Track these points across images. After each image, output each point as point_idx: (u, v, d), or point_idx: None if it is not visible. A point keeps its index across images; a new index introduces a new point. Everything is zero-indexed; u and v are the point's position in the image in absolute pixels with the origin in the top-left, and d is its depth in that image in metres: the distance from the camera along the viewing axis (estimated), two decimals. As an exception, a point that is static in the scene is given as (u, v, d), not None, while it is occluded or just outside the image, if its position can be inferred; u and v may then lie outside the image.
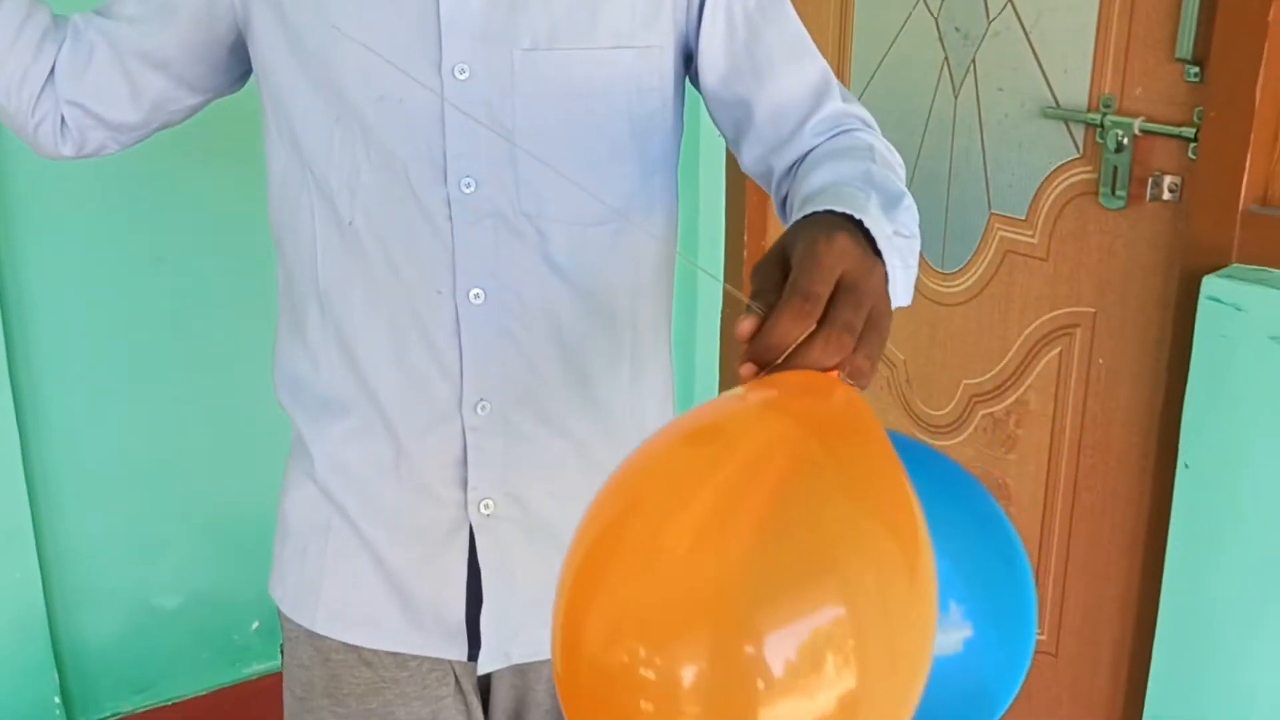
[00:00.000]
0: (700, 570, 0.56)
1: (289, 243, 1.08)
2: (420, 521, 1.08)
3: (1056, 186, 1.75)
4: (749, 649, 0.54)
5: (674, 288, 1.16)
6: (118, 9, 1.07)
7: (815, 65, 1.07)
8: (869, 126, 1.06)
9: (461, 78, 0.98)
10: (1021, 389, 1.87)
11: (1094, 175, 1.70)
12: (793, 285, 0.67)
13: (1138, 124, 1.61)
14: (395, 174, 1.00)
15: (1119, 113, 1.64)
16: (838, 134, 1.03)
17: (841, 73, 2.09)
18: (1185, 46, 1.54)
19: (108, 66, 1.07)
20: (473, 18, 0.98)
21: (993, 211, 1.86)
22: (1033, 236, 1.80)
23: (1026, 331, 1.84)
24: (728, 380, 2.45)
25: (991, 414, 1.93)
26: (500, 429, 1.06)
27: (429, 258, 1.02)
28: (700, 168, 2.25)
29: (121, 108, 1.09)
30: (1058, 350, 1.81)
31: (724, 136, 1.11)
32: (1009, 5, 1.76)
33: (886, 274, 0.75)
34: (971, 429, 1.96)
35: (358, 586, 1.11)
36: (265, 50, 1.03)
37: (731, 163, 2.32)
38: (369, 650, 1.12)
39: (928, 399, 2.04)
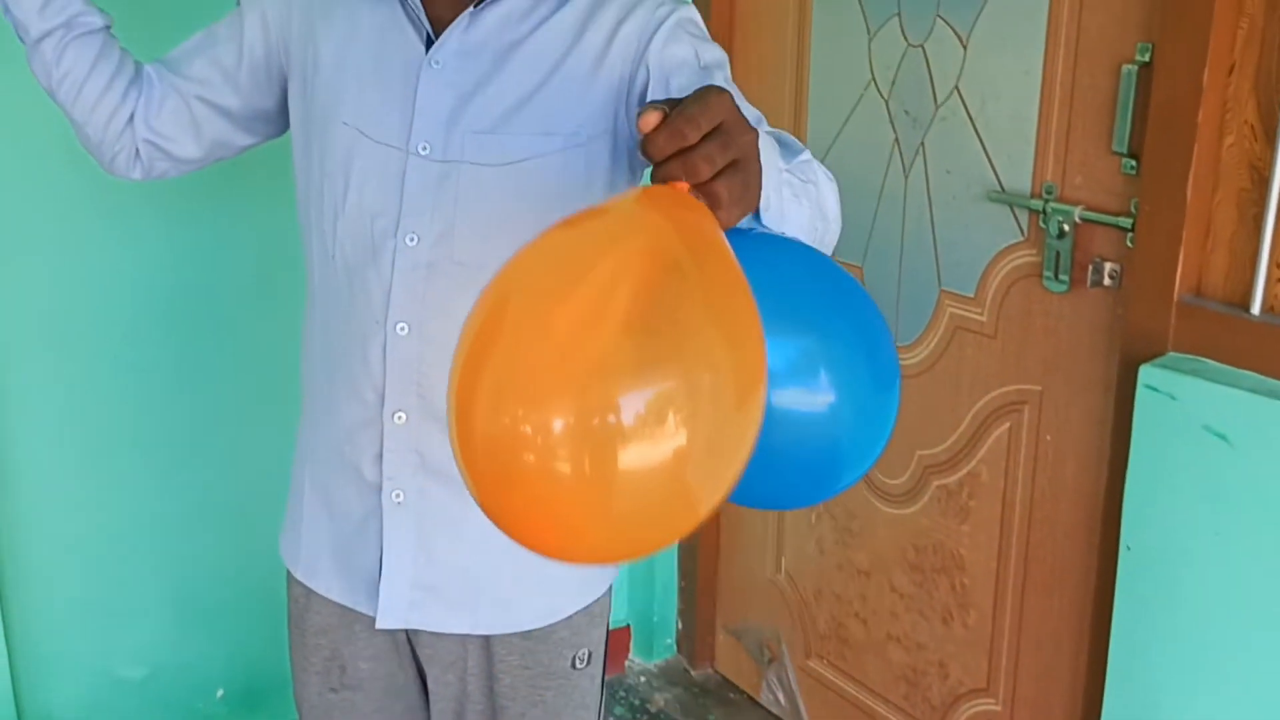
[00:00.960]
0: (576, 348, 0.70)
1: (307, 256, 1.35)
2: (351, 497, 1.34)
3: (1003, 267, 1.80)
4: (608, 409, 0.68)
5: None
6: (188, 69, 1.33)
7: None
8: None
9: (424, 153, 1.22)
10: (973, 461, 1.91)
11: (1038, 258, 1.74)
12: (680, 110, 0.79)
13: (1078, 212, 1.65)
14: (363, 224, 1.25)
15: (1060, 200, 1.69)
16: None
17: (797, 148, 2.13)
18: (1122, 140, 1.58)
19: (178, 113, 1.33)
20: (440, 107, 1.22)
21: (943, 288, 1.90)
22: (981, 314, 1.84)
23: (977, 406, 1.88)
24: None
25: (945, 485, 1.97)
26: (413, 439, 1.29)
27: (374, 293, 1.26)
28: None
29: (187, 146, 1.35)
30: (1007, 425, 1.85)
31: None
32: (955, 92, 1.81)
33: (758, 144, 0.87)
34: (926, 499, 2.00)
35: (315, 541, 1.39)
36: (291, 115, 1.32)
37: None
38: (319, 596, 1.39)
39: (883, 467, 2.07)
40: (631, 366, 0.70)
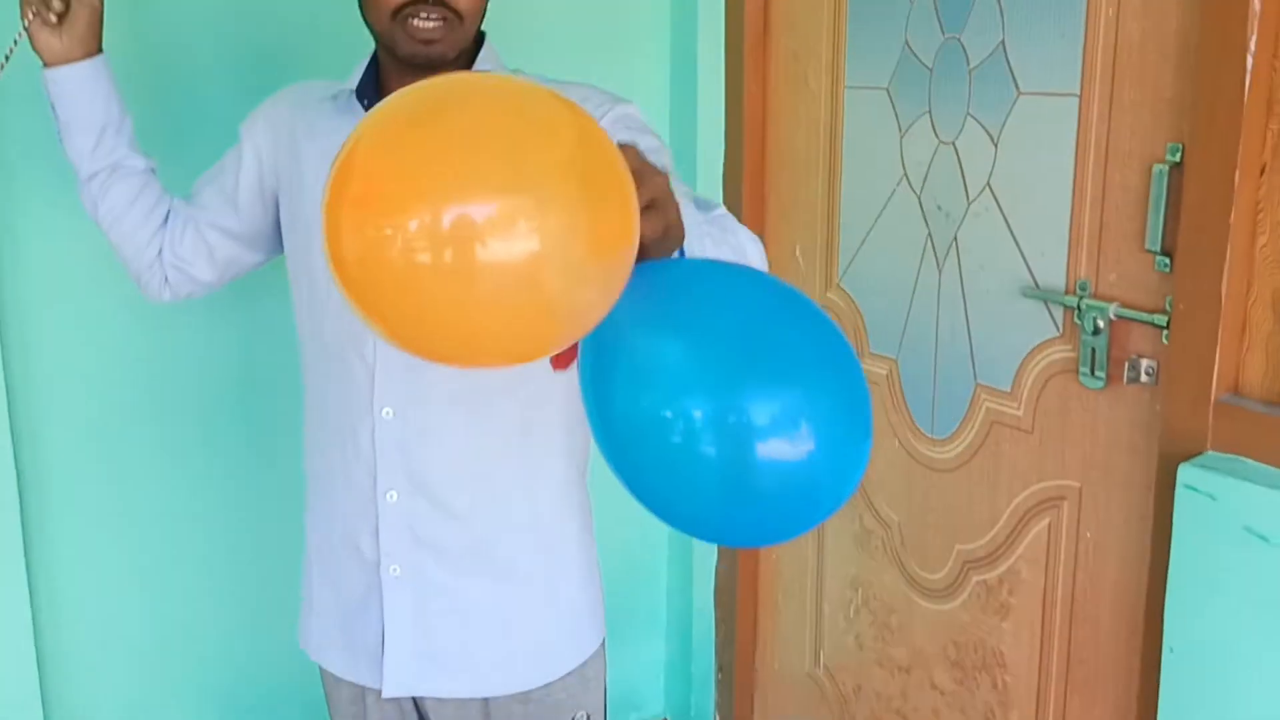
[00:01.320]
0: (431, 164, 0.80)
1: (301, 352, 1.49)
2: (354, 575, 1.46)
3: (1039, 362, 1.79)
4: (462, 212, 0.78)
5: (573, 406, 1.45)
6: (200, 200, 1.52)
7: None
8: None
9: None
10: (1013, 558, 1.89)
11: (1074, 354, 1.74)
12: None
13: (1113, 309, 1.65)
14: (346, 319, 1.35)
15: (1095, 296, 1.69)
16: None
17: (829, 243, 2.15)
18: (1155, 239, 1.59)
19: (195, 241, 1.51)
20: None
21: (979, 382, 1.90)
22: (1018, 409, 1.84)
23: (1015, 501, 1.87)
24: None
25: (984, 580, 1.94)
26: (405, 516, 1.41)
27: (360, 382, 1.40)
28: (699, 71, 2.28)
29: (204, 269, 1.52)
30: (1046, 521, 1.83)
31: None
32: (987, 188, 1.82)
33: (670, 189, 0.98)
34: (965, 594, 1.97)
35: (325, 621, 1.51)
36: (282, 225, 1.48)
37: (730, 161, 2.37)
38: (330, 674, 1.53)
39: (922, 562, 2.06)
40: (482, 182, 0.80)
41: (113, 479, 1.91)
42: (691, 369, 0.89)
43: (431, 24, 1.30)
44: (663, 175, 0.96)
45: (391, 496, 1.41)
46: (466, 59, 1.40)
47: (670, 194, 0.97)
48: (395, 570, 1.43)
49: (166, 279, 1.53)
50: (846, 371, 0.94)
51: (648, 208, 0.91)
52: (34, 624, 1.84)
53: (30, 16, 1.37)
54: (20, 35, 1.39)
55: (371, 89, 1.41)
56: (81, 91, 1.42)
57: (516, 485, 1.45)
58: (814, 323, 0.96)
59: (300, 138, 1.44)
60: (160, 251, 1.51)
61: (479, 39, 1.43)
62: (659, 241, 0.94)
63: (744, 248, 1.18)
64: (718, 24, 2.25)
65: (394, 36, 1.32)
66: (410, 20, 1.30)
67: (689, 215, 1.05)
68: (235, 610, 2.02)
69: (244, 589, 2.02)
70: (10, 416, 1.77)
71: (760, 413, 0.87)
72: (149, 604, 1.97)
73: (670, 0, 2.28)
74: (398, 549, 1.42)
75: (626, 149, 0.92)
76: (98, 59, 1.42)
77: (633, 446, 0.92)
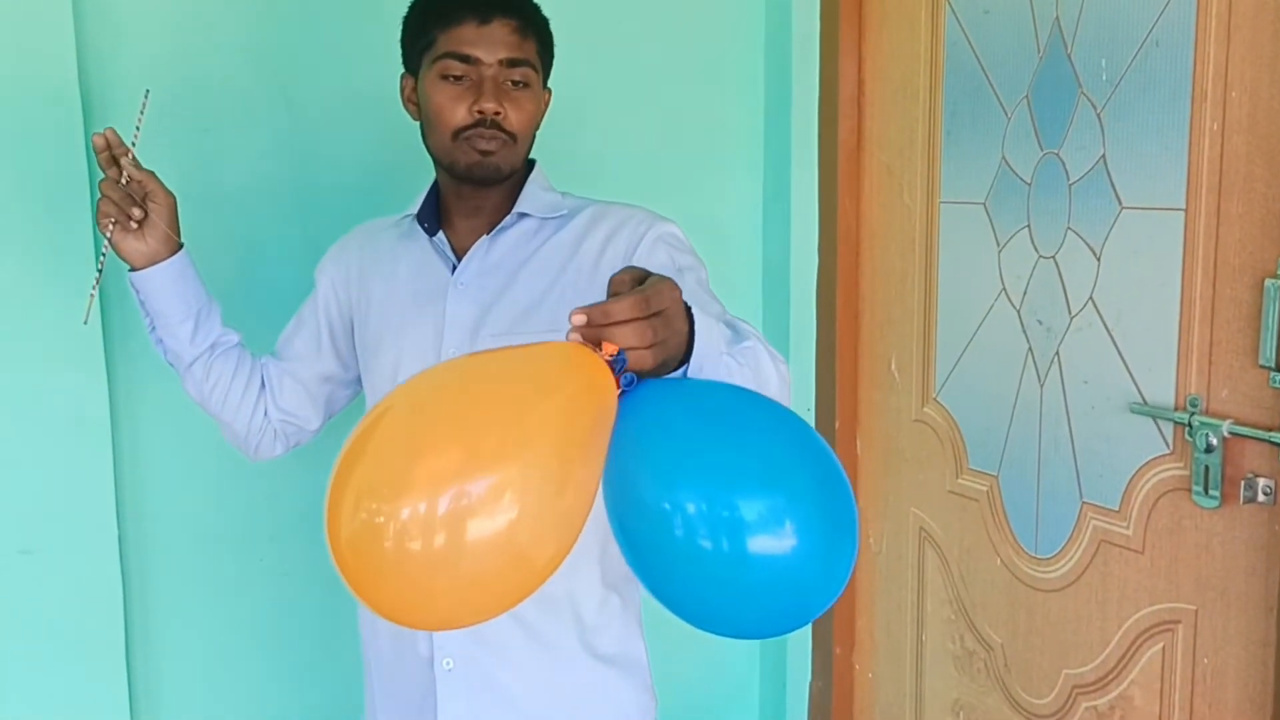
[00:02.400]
0: (428, 456, 0.88)
1: None
2: (410, 672, 1.50)
3: (1148, 480, 1.74)
4: (452, 496, 0.86)
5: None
6: (290, 352, 1.62)
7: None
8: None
9: (451, 357, 1.43)
10: (1125, 683, 1.82)
11: (1186, 472, 1.69)
12: (642, 290, 0.98)
13: (1226, 426, 1.60)
14: None
15: (1206, 413, 1.64)
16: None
17: (926, 358, 2.13)
18: (1268, 354, 1.55)
19: (295, 392, 1.61)
20: (464, 319, 1.46)
21: (1085, 500, 1.85)
22: (1127, 528, 1.78)
23: (1127, 624, 1.80)
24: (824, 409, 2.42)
25: (1095, 707, 1.87)
26: None
27: None
28: (793, 184, 2.29)
29: (309, 416, 1.62)
30: (1160, 645, 1.76)
31: None
32: (1090, 303, 1.80)
33: (691, 333, 1.06)
34: (1075, 721, 1.90)
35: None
36: (356, 347, 1.59)
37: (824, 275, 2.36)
38: None
39: (1027, 686, 1.98)
40: (466, 471, 0.87)
41: (212, 587, 1.93)
42: (685, 473, 0.98)
43: (489, 143, 1.42)
44: (675, 288, 1.02)
45: None
46: (518, 180, 1.51)
47: (680, 307, 1.03)
48: (448, 663, 1.48)
49: (276, 434, 1.62)
50: (828, 477, 1.01)
51: (655, 314, 0.98)
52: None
53: (110, 228, 1.43)
54: (106, 249, 1.44)
55: (431, 213, 1.52)
56: (173, 285, 1.49)
57: (562, 581, 1.43)
58: (796, 431, 1.03)
59: (367, 268, 1.56)
60: (266, 412, 1.60)
61: (529, 165, 1.54)
62: (661, 349, 0.99)
63: (765, 374, 1.19)
64: (811, 138, 2.28)
65: (454, 155, 1.43)
66: (470, 141, 1.42)
67: (712, 334, 1.09)
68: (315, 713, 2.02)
69: (327, 673, 2.02)
70: (120, 525, 1.81)
71: (747, 512, 0.96)
72: (242, 681, 1.98)
73: (764, 115, 2.32)
74: (449, 642, 1.47)
75: (669, 287, 1.00)
76: (182, 253, 1.50)
77: (640, 543, 1.02)
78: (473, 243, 1.49)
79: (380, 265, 1.55)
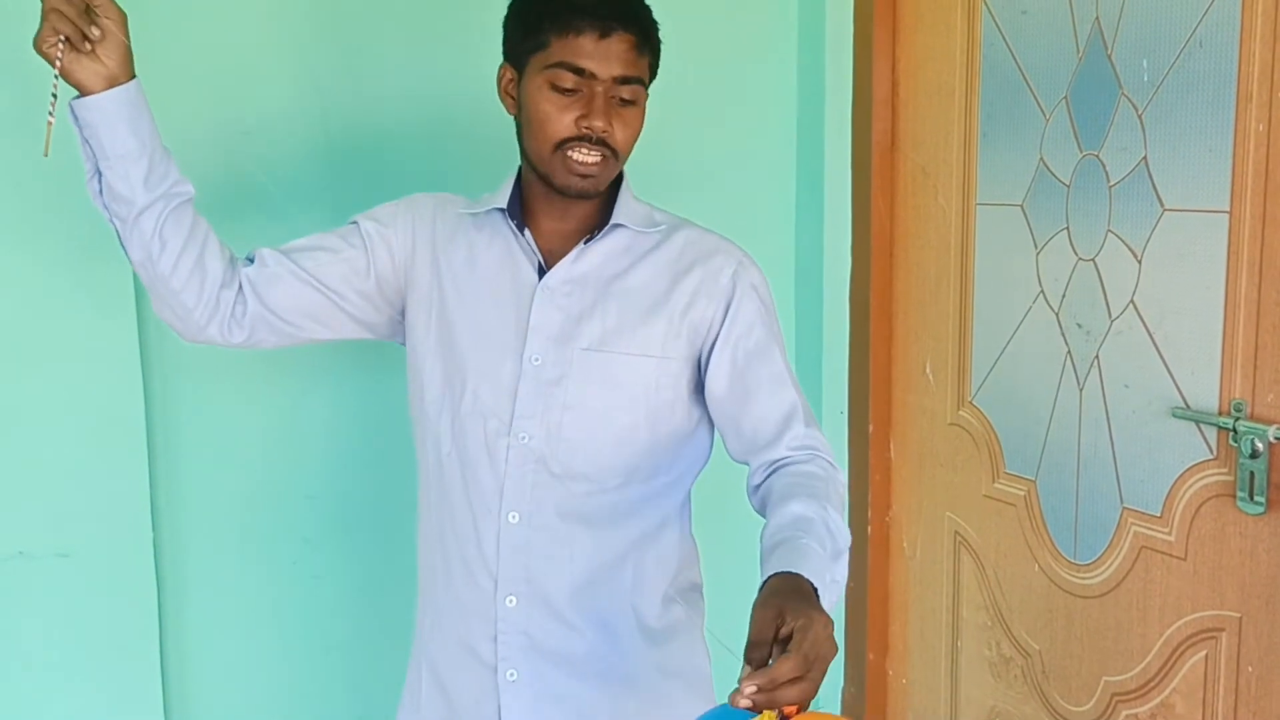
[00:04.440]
0: None
1: (420, 454, 1.51)
2: (468, 678, 1.47)
3: (1191, 486, 1.72)
4: None
5: (688, 513, 1.55)
6: (308, 262, 1.45)
7: (788, 397, 1.43)
8: (827, 455, 1.42)
9: (535, 364, 1.42)
10: (1166, 691, 1.79)
11: (1230, 478, 1.66)
12: (798, 646, 1.04)
13: (1272, 431, 1.58)
14: (477, 424, 1.43)
15: (1252, 418, 1.62)
16: (806, 459, 1.40)
17: (961, 361, 2.11)
18: (1317, 358, 1.52)
19: (300, 293, 1.44)
20: (551, 326, 1.42)
21: (1125, 505, 1.82)
22: (1169, 534, 1.76)
23: (1169, 632, 1.78)
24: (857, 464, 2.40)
25: (1135, 714, 1.84)
26: (523, 621, 1.44)
27: (486, 486, 1.43)
28: (826, 186, 2.28)
29: (303, 323, 1.46)
30: (1203, 653, 1.74)
31: (717, 426, 1.48)
32: (1131, 305, 1.78)
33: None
34: (1115, 730, 1.87)
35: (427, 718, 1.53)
36: (412, 333, 1.49)
37: (857, 278, 2.34)
38: None
39: (1066, 693, 1.96)
40: None
41: (246, 590, 1.94)
42: None
43: (592, 159, 1.37)
44: (829, 624, 1.09)
45: (511, 601, 1.44)
46: (610, 190, 1.46)
47: (833, 642, 1.09)
48: (512, 675, 1.45)
49: (237, 322, 1.43)
50: None
51: (815, 662, 1.05)
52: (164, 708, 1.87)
53: (61, 48, 1.26)
54: (57, 72, 1.27)
55: (518, 208, 1.45)
56: (130, 114, 1.31)
57: (628, 597, 1.47)
58: None
59: (441, 244, 1.48)
60: (240, 290, 1.42)
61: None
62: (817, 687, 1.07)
63: (842, 584, 1.28)
64: (844, 139, 2.26)
65: (553, 167, 1.38)
66: (570, 154, 1.36)
67: (835, 585, 1.23)
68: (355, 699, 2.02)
69: (362, 674, 2.02)
70: (155, 528, 1.82)
71: None
72: (276, 685, 1.98)
73: (797, 115, 2.30)
74: (515, 654, 1.44)
75: (826, 637, 1.08)
76: (136, 80, 1.33)
77: None
78: (561, 246, 1.44)
79: (455, 248, 1.47)
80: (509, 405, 1.41)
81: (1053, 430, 1.94)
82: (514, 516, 1.42)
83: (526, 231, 1.44)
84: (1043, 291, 1.94)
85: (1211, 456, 1.69)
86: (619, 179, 1.48)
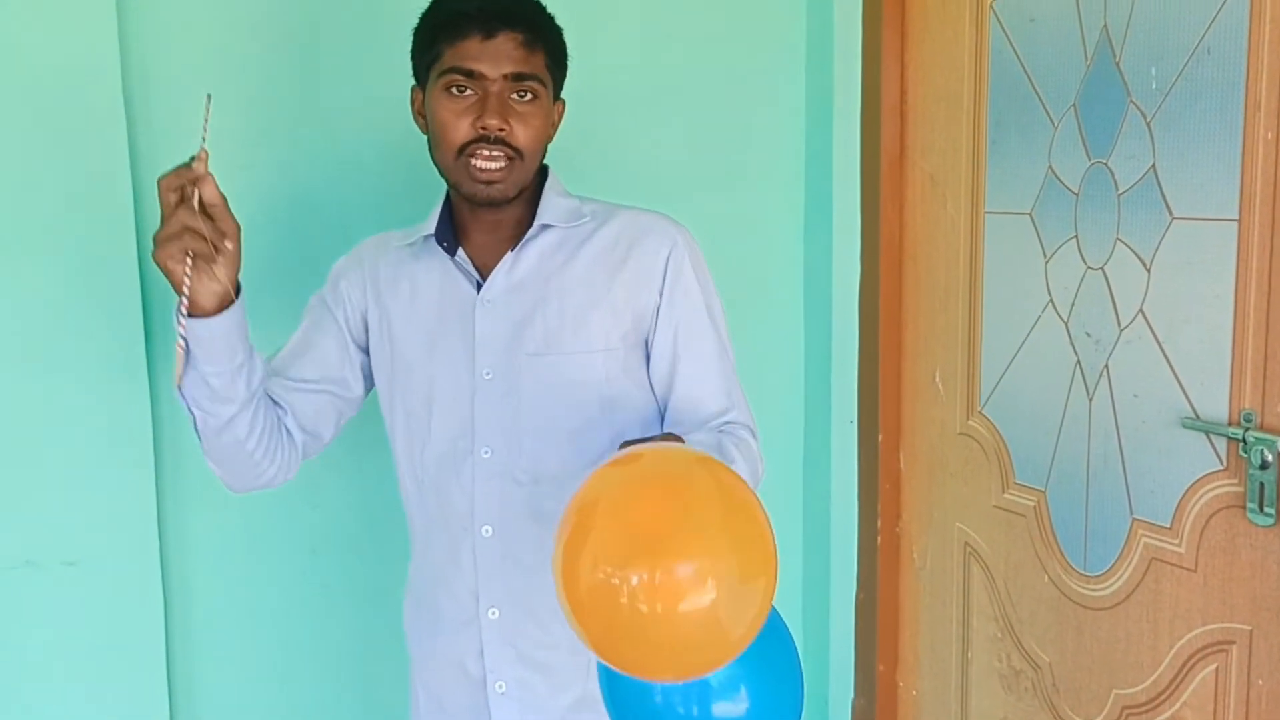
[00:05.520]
0: (647, 533, 1.09)
1: (402, 485, 1.54)
2: (460, 694, 1.49)
3: (1201, 497, 1.70)
4: (668, 569, 1.07)
5: None
6: (302, 365, 1.50)
7: (718, 383, 1.49)
8: (749, 431, 1.50)
9: (487, 377, 1.44)
10: (1177, 705, 1.77)
11: (1240, 489, 1.64)
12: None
13: (1282, 442, 1.56)
14: (446, 446, 1.45)
15: (1262, 428, 1.60)
16: (725, 426, 1.48)
17: (971, 370, 2.10)
18: (1327, 368, 1.51)
19: (316, 406, 1.49)
20: (496, 338, 1.44)
21: (1135, 516, 1.81)
22: (1179, 545, 1.74)
23: (1179, 644, 1.76)
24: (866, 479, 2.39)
25: (1146, 728, 1.83)
26: (507, 633, 1.46)
27: (458, 503, 1.45)
28: (834, 194, 2.27)
29: (328, 429, 1.52)
30: (1214, 666, 1.72)
31: (654, 394, 1.51)
32: (1140, 314, 1.76)
33: None
34: (1125, 743, 1.86)
35: None
36: (376, 374, 1.53)
37: (866, 286, 2.33)
38: None
39: (1076, 705, 1.94)
40: (681, 549, 1.08)
41: (252, 599, 1.94)
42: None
43: (494, 165, 1.38)
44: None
45: (493, 614, 1.46)
46: (531, 193, 1.48)
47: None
48: (501, 687, 1.47)
49: (297, 458, 1.47)
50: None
51: None
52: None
53: (188, 266, 1.20)
54: (186, 291, 1.20)
55: (448, 231, 1.47)
56: (238, 330, 1.29)
57: None
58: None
59: (383, 286, 1.50)
60: (292, 440, 1.45)
61: (542, 172, 1.50)
62: None
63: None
64: (853, 147, 2.25)
65: (459, 176, 1.40)
66: (473, 161, 1.38)
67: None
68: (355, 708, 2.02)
69: (368, 685, 2.02)
70: (162, 537, 1.82)
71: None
72: (282, 695, 1.98)
73: (805, 123, 2.30)
74: (502, 665, 1.47)
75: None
76: (242, 292, 1.31)
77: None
78: (495, 258, 1.46)
79: (398, 284, 1.50)
80: (469, 422, 1.44)
81: (1062, 440, 1.93)
82: (487, 530, 1.45)
83: (460, 251, 1.46)
84: (1052, 300, 1.92)
85: (1221, 467, 1.67)
86: (542, 179, 1.50)
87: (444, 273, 1.48)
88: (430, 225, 1.49)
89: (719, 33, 2.20)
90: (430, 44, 1.41)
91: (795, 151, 2.31)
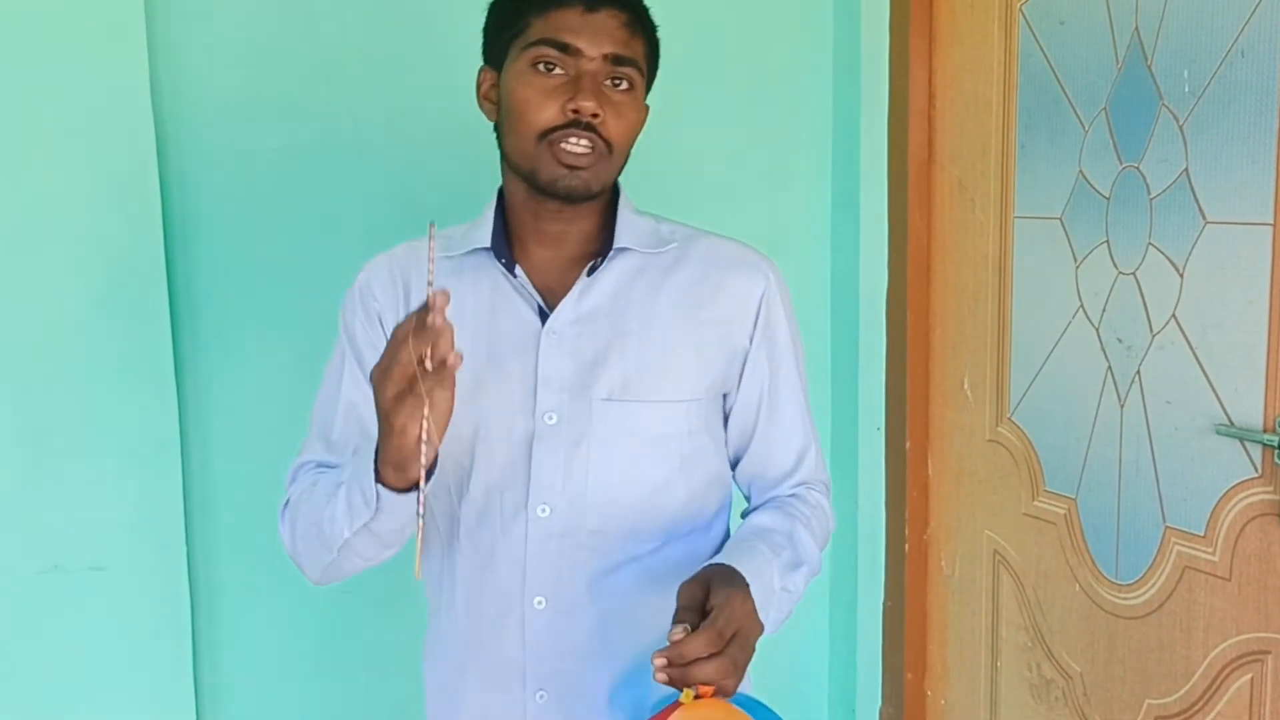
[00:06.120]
0: None
1: (425, 550, 1.29)
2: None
3: (1235, 505, 1.68)
4: None
5: None
6: (344, 443, 1.28)
7: (804, 433, 1.34)
8: (823, 489, 1.36)
9: (550, 422, 1.22)
10: (1211, 714, 1.75)
11: (1275, 496, 1.62)
12: (712, 622, 1.02)
13: (1319, 449, 1.54)
14: (491, 501, 1.24)
15: (1298, 435, 1.58)
16: (799, 489, 1.33)
17: (1000, 376, 2.08)
18: (1365, 374, 1.48)
19: None
20: (563, 376, 1.22)
21: (1168, 524, 1.78)
22: (1213, 554, 1.72)
23: (1213, 654, 1.73)
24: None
25: (1179, 739, 1.80)
26: (555, 714, 1.25)
27: (505, 570, 1.24)
28: (862, 199, 2.25)
29: None
30: (1249, 676, 1.69)
31: (728, 446, 1.34)
32: (1173, 320, 1.74)
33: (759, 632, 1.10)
34: (1158, 754, 1.83)
35: None
36: None
37: (894, 292, 2.31)
38: None
39: (1108, 716, 1.92)
40: None
41: (278, 604, 1.94)
42: None
43: (582, 149, 1.19)
44: (747, 599, 1.07)
45: (541, 698, 1.26)
46: (602, 207, 1.29)
47: (753, 618, 1.08)
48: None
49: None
50: None
51: (731, 638, 1.04)
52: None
53: (426, 430, 1.02)
54: (425, 456, 1.03)
55: (503, 243, 1.26)
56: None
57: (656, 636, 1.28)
58: None
59: (416, 305, 1.16)
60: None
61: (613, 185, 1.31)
62: (740, 670, 1.04)
63: (797, 597, 1.22)
64: (881, 152, 2.24)
65: (538, 161, 1.19)
66: (558, 145, 1.18)
67: (770, 603, 1.14)
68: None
69: (395, 692, 2.01)
70: (189, 543, 1.83)
71: None
72: (309, 698, 1.98)
73: (833, 128, 2.28)
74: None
75: (742, 606, 1.07)
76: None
77: None
78: (560, 280, 1.25)
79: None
80: (524, 474, 1.22)
81: (1093, 447, 1.91)
82: (540, 601, 1.24)
83: (518, 270, 1.25)
84: (1082, 306, 1.90)
85: (1256, 474, 1.65)
86: (614, 195, 1.31)
87: (496, 293, 1.25)
88: (483, 235, 1.27)
89: (746, 40, 2.19)
90: (515, 16, 1.21)
91: (823, 156, 2.30)
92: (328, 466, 1.28)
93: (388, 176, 1.92)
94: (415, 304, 1.24)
